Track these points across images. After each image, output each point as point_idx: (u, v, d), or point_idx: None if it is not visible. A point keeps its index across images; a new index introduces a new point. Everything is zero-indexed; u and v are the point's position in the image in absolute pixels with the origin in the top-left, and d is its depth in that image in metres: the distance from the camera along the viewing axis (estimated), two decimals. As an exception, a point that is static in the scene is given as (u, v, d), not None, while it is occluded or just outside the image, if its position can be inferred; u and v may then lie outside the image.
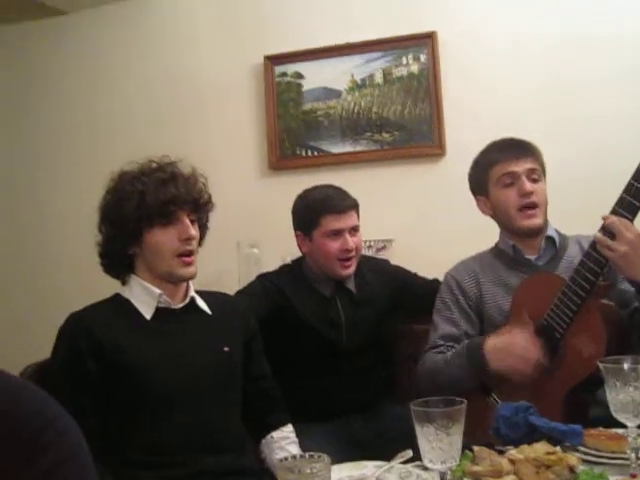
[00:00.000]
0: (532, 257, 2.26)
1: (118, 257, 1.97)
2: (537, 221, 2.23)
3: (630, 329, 2.03)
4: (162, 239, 1.91)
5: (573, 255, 2.19)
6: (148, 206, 1.89)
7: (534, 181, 2.23)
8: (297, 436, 2.12)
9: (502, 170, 2.25)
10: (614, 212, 1.87)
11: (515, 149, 2.27)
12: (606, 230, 1.87)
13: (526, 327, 2.02)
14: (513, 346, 2.01)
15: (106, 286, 2.03)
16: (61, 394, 1.81)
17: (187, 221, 1.94)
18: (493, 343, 2.06)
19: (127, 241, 1.93)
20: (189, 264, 1.95)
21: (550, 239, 2.26)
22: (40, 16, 3.80)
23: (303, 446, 2.06)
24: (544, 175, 2.29)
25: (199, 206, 2.00)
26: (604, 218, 1.88)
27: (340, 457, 1.74)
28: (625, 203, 1.85)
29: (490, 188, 2.30)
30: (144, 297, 1.95)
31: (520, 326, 2.03)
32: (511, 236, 2.29)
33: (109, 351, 1.84)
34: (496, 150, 2.31)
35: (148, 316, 1.93)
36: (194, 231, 1.96)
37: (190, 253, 1.95)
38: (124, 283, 2.01)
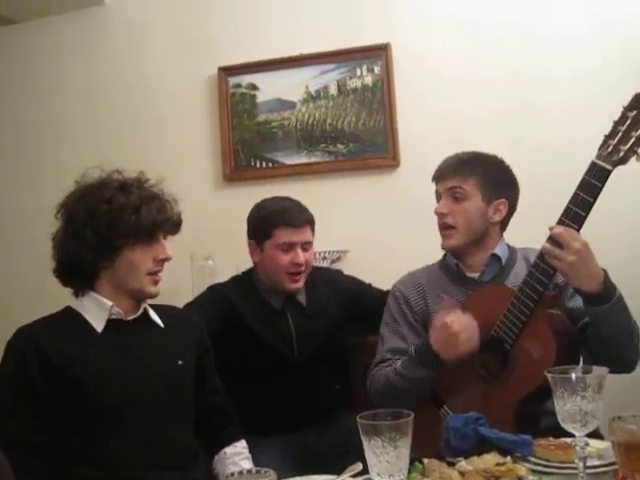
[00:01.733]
0: (474, 275, 2.26)
1: (83, 266, 1.91)
2: (451, 242, 2.24)
3: (580, 345, 2.04)
4: (140, 258, 1.91)
5: (520, 271, 2.17)
6: (140, 224, 1.88)
7: (456, 200, 2.22)
8: (251, 450, 2.11)
9: (435, 189, 2.31)
10: (561, 222, 1.89)
11: (443, 168, 2.29)
12: (554, 240, 1.88)
13: (450, 310, 2.05)
14: (454, 330, 2.00)
15: (57, 299, 1.98)
16: (6, 410, 1.79)
17: (164, 243, 1.96)
18: (437, 339, 2.05)
19: (103, 253, 1.89)
20: (157, 282, 1.96)
21: (496, 256, 2.25)
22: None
23: (257, 460, 2.05)
24: (485, 195, 2.22)
25: (176, 229, 2.02)
26: (551, 228, 1.89)
27: (295, 471, 1.73)
28: (571, 213, 1.87)
29: None
30: (95, 309, 1.92)
31: (445, 312, 2.06)
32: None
33: (58, 365, 1.81)
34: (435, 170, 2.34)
35: (99, 329, 1.90)
36: (171, 253, 1.96)
37: (160, 272, 1.96)
38: (77, 294, 1.97)
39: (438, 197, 2.29)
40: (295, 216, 2.51)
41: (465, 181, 2.22)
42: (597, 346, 1.98)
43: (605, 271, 1.92)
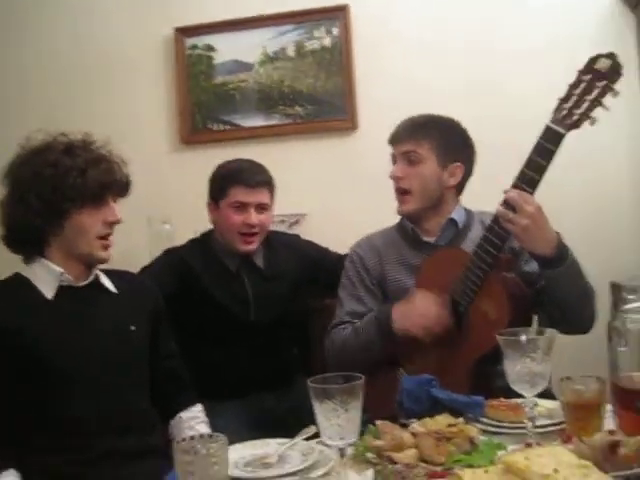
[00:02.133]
0: (430, 239, 2.26)
1: (33, 232, 1.87)
2: (407, 207, 2.24)
3: (537, 307, 2.07)
4: (89, 221, 1.87)
5: (476, 235, 2.15)
6: (86, 186, 1.84)
7: (411, 163, 2.22)
8: (208, 415, 2.10)
9: (391, 152, 2.30)
10: (515, 186, 1.89)
11: (398, 130, 2.28)
12: (508, 204, 1.88)
13: (429, 292, 2.06)
14: (414, 305, 2.04)
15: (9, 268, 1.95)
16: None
17: (114, 205, 1.92)
18: (399, 307, 2.09)
19: (52, 218, 1.85)
20: (108, 247, 1.92)
21: (452, 221, 2.25)
22: None
23: (214, 424, 2.04)
24: (440, 158, 2.21)
25: (125, 191, 1.98)
26: (505, 192, 1.90)
27: (252, 435, 1.74)
28: (526, 178, 1.87)
29: None
30: (45, 276, 1.88)
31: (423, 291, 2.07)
32: None
33: (8, 333, 1.78)
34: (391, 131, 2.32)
35: (49, 295, 1.87)
36: (120, 215, 1.93)
37: (109, 236, 1.92)
38: (27, 261, 1.93)
39: (394, 160, 2.28)
40: (250, 176, 2.49)
41: (419, 145, 2.21)
42: (553, 309, 2.01)
43: (559, 234, 1.94)
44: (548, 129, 1.86)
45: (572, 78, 1.87)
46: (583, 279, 2.01)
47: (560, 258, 1.92)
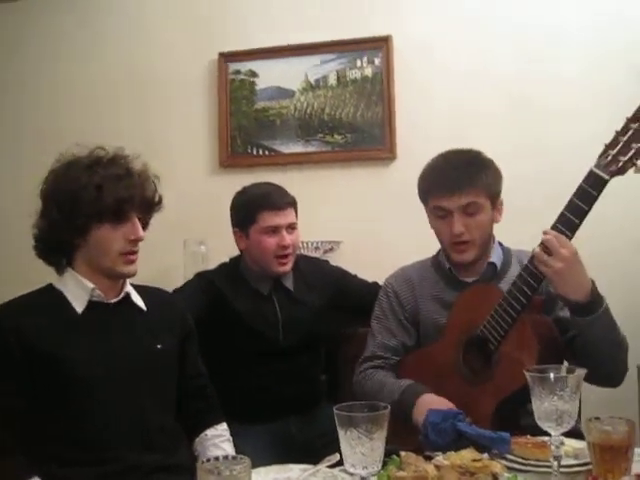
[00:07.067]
0: (469, 280, 2.21)
1: (59, 245, 1.90)
2: (467, 257, 2.15)
3: (569, 354, 2.01)
4: (110, 237, 1.87)
5: (513, 274, 2.09)
6: (103, 203, 1.84)
7: (470, 215, 2.12)
8: (234, 437, 2.09)
9: (435, 202, 2.16)
10: (554, 228, 1.86)
11: (452, 181, 2.11)
12: (545, 246, 1.85)
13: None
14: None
15: (40, 276, 1.97)
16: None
17: (137, 222, 1.90)
18: (424, 401, 1.99)
19: (73, 232, 1.87)
20: (132, 262, 1.91)
21: (492, 264, 2.20)
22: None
23: (239, 447, 2.03)
24: (492, 201, 2.16)
25: (151, 207, 1.97)
26: (544, 233, 1.86)
27: (277, 459, 1.73)
28: (565, 220, 1.84)
29: (428, 213, 2.23)
30: (77, 290, 1.90)
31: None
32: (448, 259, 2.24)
33: (37, 344, 1.80)
34: (433, 178, 2.19)
35: (79, 309, 1.88)
36: (142, 233, 1.92)
37: (135, 252, 1.92)
38: (59, 272, 1.95)
39: (442, 212, 2.15)
40: (278, 199, 2.52)
41: (477, 194, 2.12)
42: (583, 357, 1.93)
43: (593, 282, 1.90)
44: (591, 173, 1.82)
45: (617, 110, 1.83)
46: (616, 330, 1.96)
47: (592, 306, 1.88)
